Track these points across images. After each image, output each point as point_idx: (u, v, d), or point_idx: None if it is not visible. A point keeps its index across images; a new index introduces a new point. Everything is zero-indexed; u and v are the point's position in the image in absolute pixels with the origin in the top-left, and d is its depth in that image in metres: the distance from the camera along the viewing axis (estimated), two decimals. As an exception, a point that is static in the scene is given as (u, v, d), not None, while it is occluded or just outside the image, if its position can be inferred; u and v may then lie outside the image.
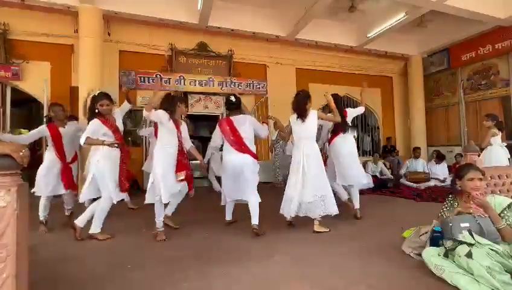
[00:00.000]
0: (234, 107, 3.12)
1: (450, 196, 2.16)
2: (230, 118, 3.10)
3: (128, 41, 6.39)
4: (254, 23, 6.72)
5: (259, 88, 7.59)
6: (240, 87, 7.33)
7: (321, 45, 7.67)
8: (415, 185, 5.61)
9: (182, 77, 6.83)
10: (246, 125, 3.05)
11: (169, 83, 6.71)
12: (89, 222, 2.86)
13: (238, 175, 2.99)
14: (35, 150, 6.00)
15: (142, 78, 6.52)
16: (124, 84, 6.31)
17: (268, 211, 3.13)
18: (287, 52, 7.71)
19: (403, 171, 6.30)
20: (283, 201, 3.09)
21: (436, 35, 8.01)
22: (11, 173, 1.11)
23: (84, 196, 2.88)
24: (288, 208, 2.96)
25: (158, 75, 6.66)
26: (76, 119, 3.99)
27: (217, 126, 3.20)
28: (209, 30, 6.64)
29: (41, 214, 3.19)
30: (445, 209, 2.13)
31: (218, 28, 6.56)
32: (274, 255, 2.34)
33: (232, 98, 3.12)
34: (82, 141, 2.70)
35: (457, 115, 8.28)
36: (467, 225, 1.84)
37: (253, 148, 3.06)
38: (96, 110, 2.82)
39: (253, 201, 2.93)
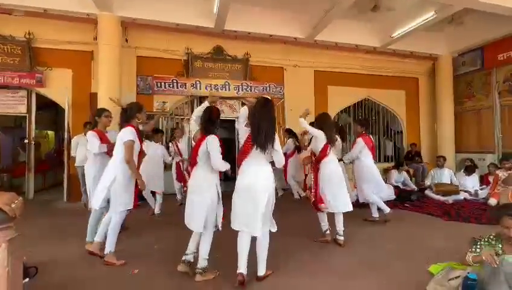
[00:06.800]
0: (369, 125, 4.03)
1: (492, 235, 1.86)
2: (369, 136, 3.98)
3: (146, 46, 6.41)
4: (271, 25, 6.52)
5: (276, 92, 7.41)
6: (256, 90, 7.19)
7: (341, 46, 7.34)
8: (442, 198, 5.20)
9: (198, 82, 6.78)
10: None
11: (185, 88, 6.70)
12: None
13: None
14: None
15: (158, 83, 6.55)
16: (141, 89, 6.38)
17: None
18: (305, 54, 7.45)
19: (427, 182, 5.87)
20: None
21: (468, 33, 7.41)
22: (1, 228, 1.05)
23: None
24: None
25: (174, 80, 6.66)
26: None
27: (361, 141, 3.82)
28: (226, 34, 6.52)
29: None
30: (483, 247, 1.80)
31: (235, 31, 6.43)
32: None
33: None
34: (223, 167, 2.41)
35: (491, 120, 7.64)
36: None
37: None
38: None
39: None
